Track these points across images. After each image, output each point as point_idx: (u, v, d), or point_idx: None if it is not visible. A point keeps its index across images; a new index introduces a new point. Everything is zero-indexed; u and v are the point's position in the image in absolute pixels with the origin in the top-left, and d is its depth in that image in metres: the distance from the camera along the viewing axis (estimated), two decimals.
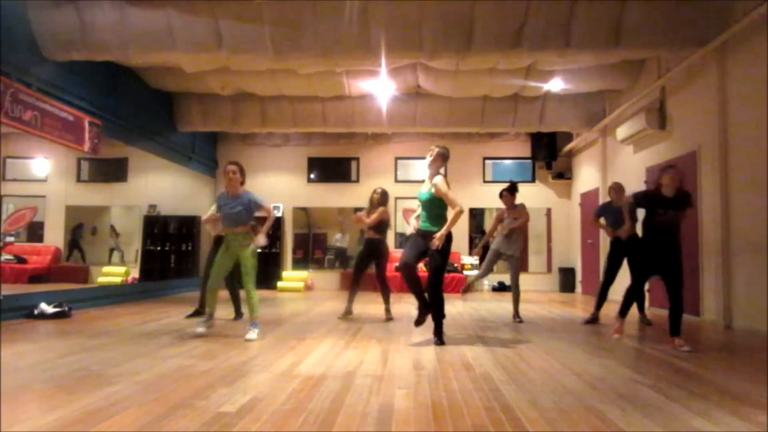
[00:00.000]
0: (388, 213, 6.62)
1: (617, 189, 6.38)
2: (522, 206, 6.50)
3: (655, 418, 2.58)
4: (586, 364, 3.88)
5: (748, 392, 3.13)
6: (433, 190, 4.65)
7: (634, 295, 5.14)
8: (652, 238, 4.79)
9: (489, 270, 6.64)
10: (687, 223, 6.81)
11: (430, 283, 4.72)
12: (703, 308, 6.62)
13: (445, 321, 4.83)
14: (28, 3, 6.47)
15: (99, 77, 7.88)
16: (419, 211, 4.93)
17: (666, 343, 4.68)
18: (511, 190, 6.51)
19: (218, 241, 5.77)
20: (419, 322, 4.82)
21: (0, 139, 6.51)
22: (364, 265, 6.58)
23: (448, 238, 4.63)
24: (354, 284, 6.63)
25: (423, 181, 4.87)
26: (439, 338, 4.69)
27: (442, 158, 4.77)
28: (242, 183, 5.09)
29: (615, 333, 5.16)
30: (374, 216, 6.44)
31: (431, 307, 4.73)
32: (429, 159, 4.77)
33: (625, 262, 6.10)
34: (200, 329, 4.98)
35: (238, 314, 6.33)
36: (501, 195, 6.56)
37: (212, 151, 12.37)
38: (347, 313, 6.52)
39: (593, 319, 6.23)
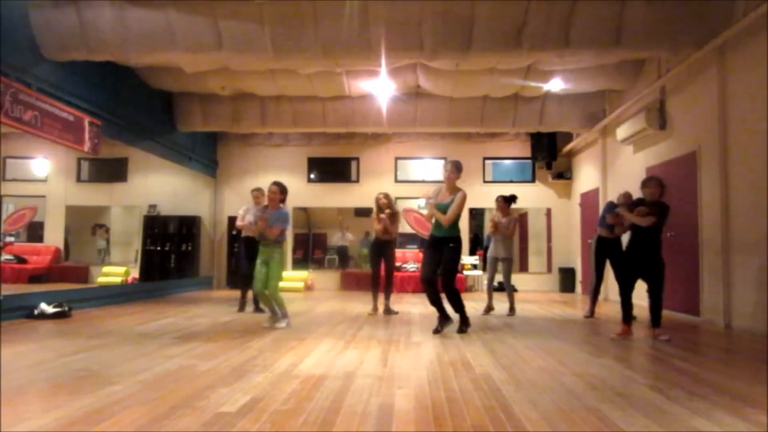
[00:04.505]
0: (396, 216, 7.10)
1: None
2: (514, 220, 7.09)
3: (655, 418, 2.57)
4: (586, 364, 3.88)
5: (748, 392, 3.13)
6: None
7: (627, 298, 5.30)
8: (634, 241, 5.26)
9: (493, 274, 7.26)
10: (686, 223, 6.87)
11: (444, 283, 5.30)
12: (703, 308, 6.61)
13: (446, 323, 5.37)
14: (28, 3, 6.47)
15: (99, 77, 7.87)
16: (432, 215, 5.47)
17: (650, 336, 5.10)
18: (509, 200, 7.08)
19: (248, 244, 6.70)
20: (437, 331, 5.31)
21: (0, 139, 6.51)
22: (378, 264, 7.01)
23: (459, 243, 5.34)
24: (374, 284, 7.06)
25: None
26: (464, 325, 5.36)
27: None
28: (282, 201, 5.73)
29: (619, 335, 5.21)
30: (392, 226, 6.94)
31: (451, 312, 5.43)
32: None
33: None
34: (281, 324, 5.66)
35: (243, 309, 7.09)
36: (497, 200, 7.20)
37: (212, 151, 12.36)
38: (376, 310, 6.96)
39: (590, 315, 6.83)
